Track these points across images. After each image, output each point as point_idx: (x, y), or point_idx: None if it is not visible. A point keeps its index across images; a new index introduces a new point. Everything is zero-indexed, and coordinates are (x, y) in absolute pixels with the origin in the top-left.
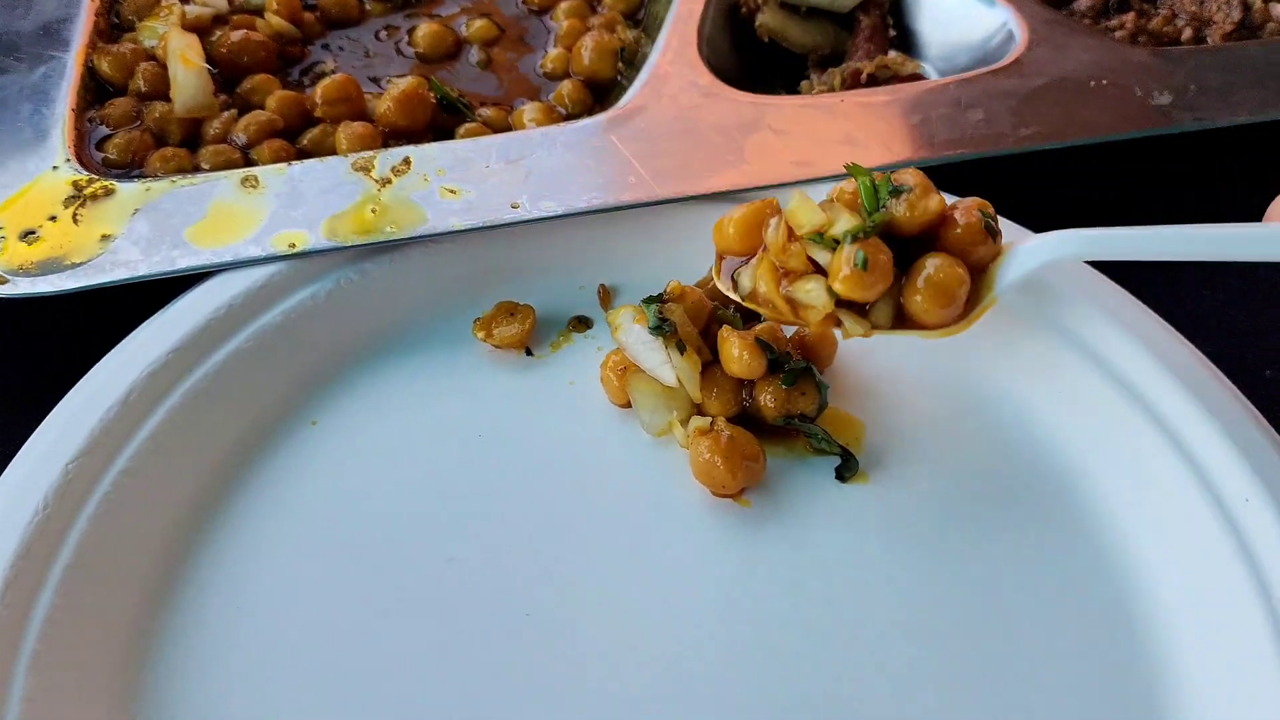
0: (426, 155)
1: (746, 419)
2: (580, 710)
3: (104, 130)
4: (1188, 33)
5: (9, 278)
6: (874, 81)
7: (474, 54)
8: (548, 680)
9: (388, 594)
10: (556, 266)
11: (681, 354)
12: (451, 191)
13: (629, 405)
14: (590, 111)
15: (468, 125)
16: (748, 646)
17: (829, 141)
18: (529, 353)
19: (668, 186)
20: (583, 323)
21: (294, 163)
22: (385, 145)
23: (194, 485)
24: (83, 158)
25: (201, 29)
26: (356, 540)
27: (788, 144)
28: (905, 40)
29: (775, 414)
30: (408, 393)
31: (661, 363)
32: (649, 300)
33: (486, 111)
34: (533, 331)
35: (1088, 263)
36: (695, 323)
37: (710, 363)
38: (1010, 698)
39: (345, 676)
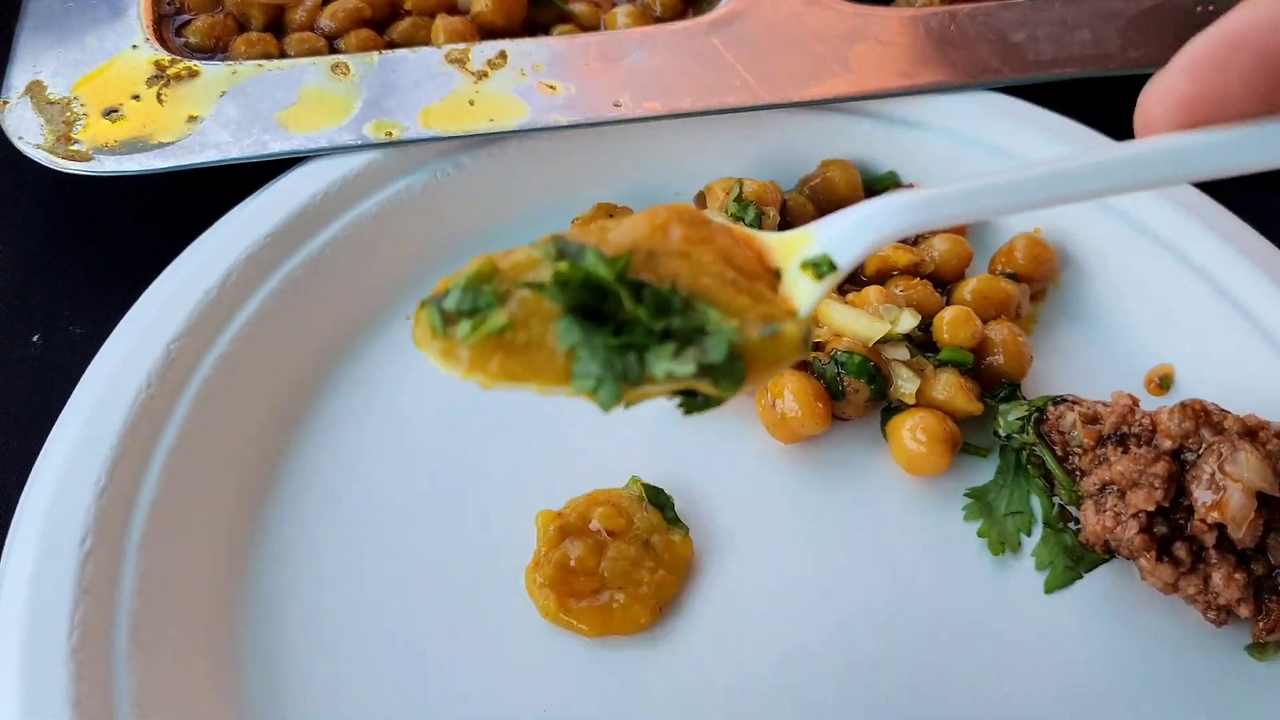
0: (523, 50)
1: None
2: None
3: (182, 17)
4: None
5: (94, 155)
6: None
7: None
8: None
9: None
10: (654, 169)
11: None
12: (551, 87)
13: None
14: (682, 15)
15: (561, 27)
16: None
17: (935, 56)
18: None
19: (774, 92)
20: None
21: (385, 52)
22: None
23: (291, 373)
24: (162, 38)
25: None
26: (464, 443)
27: (892, 55)
28: None
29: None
30: None
31: None
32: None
33: (579, 7)
34: None
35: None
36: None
37: None
38: None
39: (442, 574)
